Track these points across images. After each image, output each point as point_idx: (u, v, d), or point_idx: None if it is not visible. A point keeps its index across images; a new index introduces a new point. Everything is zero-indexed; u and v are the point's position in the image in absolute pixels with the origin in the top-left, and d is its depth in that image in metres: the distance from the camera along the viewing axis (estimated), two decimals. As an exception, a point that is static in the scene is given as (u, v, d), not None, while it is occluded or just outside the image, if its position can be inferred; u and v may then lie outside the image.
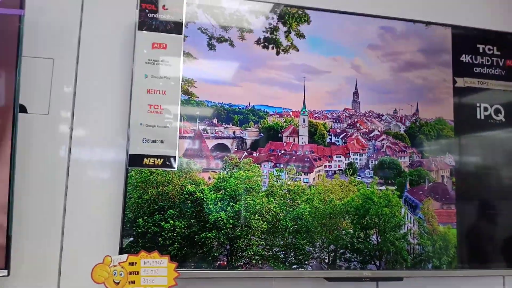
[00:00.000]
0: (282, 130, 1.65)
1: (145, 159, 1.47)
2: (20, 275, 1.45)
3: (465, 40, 1.85)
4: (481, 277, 1.81)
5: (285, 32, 1.65)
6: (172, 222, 1.45)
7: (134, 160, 1.47)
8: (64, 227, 1.52)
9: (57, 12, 1.60)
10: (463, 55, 1.84)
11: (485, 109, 1.82)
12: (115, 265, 1.34)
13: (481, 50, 1.86)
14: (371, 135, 1.73)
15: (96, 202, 1.53)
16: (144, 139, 1.48)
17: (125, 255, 1.36)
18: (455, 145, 1.78)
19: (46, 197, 1.52)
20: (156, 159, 1.48)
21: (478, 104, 1.82)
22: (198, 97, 1.55)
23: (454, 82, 1.81)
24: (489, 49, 1.87)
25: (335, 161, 1.68)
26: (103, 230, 1.51)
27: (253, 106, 1.63)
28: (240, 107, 1.61)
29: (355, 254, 1.60)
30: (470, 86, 1.83)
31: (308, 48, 1.67)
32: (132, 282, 1.36)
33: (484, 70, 1.85)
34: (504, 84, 1.86)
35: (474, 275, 1.78)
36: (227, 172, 1.54)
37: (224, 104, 1.60)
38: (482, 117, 1.82)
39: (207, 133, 1.57)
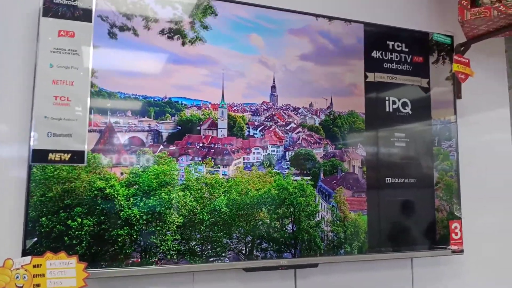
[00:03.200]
0: (201, 123, 1.65)
1: (50, 155, 1.41)
2: None
3: (376, 37, 1.96)
4: (391, 260, 1.95)
5: (190, 23, 1.64)
6: (79, 220, 1.40)
7: (38, 156, 1.39)
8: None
9: None
10: (374, 51, 1.95)
11: (394, 102, 1.96)
12: (18, 268, 1.28)
13: (390, 47, 1.99)
14: (288, 127, 1.79)
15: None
16: (49, 133, 1.41)
17: (29, 257, 1.30)
18: (366, 137, 1.90)
19: None
20: (62, 154, 1.42)
21: (387, 98, 1.95)
22: (100, 88, 1.48)
23: (366, 77, 1.92)
24: (398, 46, 2.00)
25: (253, 153, 1.71)
26: (5, 231, 1.41)
27: (170, 98, 1.61)
28: (156, 99, 1.59)
29: (271, 244, 1.66)
30: (380, 80, 1.95)
31: (216, 41, 1.67)
32: (38, 286, 1.30)
33: (393, 66, 1.98)
34: (411, 79, 2.01)
35: (384, 259, 1.91)
36: (141, 167, 1.51)
37: (139, 96, 1.56)
38: (391, 110, 1.95)
39: (120, 126, 1.52)
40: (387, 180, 1.92)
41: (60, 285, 1.32)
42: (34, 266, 1.30)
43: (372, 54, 1.95)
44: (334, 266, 1.86)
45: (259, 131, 1.75)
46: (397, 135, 1.95)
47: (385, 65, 1.97)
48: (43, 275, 1.30)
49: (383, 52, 1.97)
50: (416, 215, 1.95)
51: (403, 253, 1.93)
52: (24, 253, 1.35)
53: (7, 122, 1.48)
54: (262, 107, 1.76)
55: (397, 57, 1.99)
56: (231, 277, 1.70)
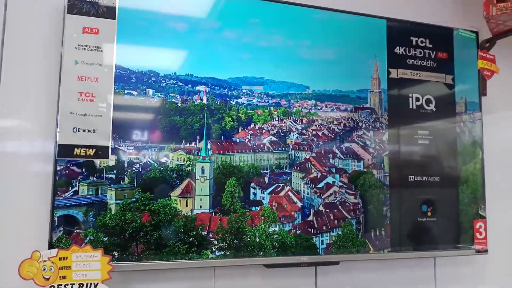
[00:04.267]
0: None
1: (75, 150, 1.44)
2: None
3: (399, 32, 1.94)
4: (414, 259, 1.94)
5: None
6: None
7: (64, 151, 1.43)
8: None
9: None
10: (397, 47, 1.93)
11: (417, 99, 1.93)
12: (45, 260, 1.32)
13: (414, 43, 1.96)
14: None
15: (25, 196, 1.47)
16: (75, 129, 1.44)
17: (55, 250, 1.34)
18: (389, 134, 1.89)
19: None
20: (87, 149, 1.45)
21: (410, 95, 1.92)
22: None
23: (389, 73, 1.90)
24: (421, 42, 1.97)
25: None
26: (32, 224, 1.45)
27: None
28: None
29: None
30: (404, 77, 1.92)
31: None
32: (64, 277, 1.33)
33: (416, 62, 1.95)
34: (435, 76, 1.98)
35: (406, 257, 1.90)
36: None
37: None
38: (414, 107, 1.92)
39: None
40: (410, 178, 1.89)
41: (85, 277, 1.35)
42: (60, 258, 1.34)
43: (395, 50, 1.92)
44: (355, 264, 1.85)
45: (280, 127, 1.75)
46: (421, 133, 1.93)
47: (409, 61, 1.94)
48: (69, 268, 1.34)
49: (407, 48, 1.94)
50: (440, 214, 1.92)
51: (425, 252, 1.91)
52: (50, 246, 1.39)
53: (34, 118, 1.52)
54: (283, 104, 1.76)
55: (420, 53, 1.97)
56: (252, 273, 1.71)
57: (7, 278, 1.38)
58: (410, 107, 1.93)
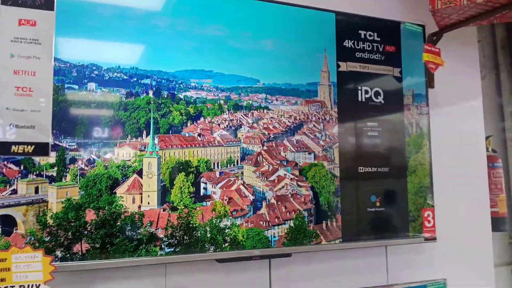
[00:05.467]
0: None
1: (13, 147, 1.39)
2: None
3: (348, 26, 1.98)
4: (366, 248, 2.00)
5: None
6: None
7: (1, 148, 1.37)
8: None
9: None
10: (346, 41, 1.97)
11: (366, 92, 1.98)
12: (-19, 263, 1.27)
13: (362, 36, 2.01)
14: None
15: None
16: (11, 125, 1.39)
17: (-7, 252, 1.29)
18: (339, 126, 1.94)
19: None
20: (26, 146, 1.40)
21: (359, 87, 1.97)
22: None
23: (338, 66, 1.94)
24: (370, 35, 2.03)
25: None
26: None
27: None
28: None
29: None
30: (353, 70, 1.97)
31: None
32: (3, 280, 1.29)
33: (365, 55, 2.01)
34: (383, 68, 2.04)
35: (359, 247, 1.95)
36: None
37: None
38: (363, 100, 1.97)
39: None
40: (360, 170, 1.95)
41: (26, 279, 1.31)
42: (0, 260, 1.29)
43: (344, 44, 1.97)
44: (308, 256, 1.89)
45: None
46: (370, 125, 1.98)
47: (358, 54, 1.99)
48: (9, 269, 1.30)
49: (355, 42, 1.99)
50: (389, 204, 1.99)
51: (376, 241, 1.97)
52: (-11, 248, 1.34)
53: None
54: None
55: (369, 47, 2.02)
56: (205, 268, 1.71)
57: None
58: (360, 99, 1.98)
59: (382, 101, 2.02)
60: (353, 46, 1.99)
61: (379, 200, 1.97)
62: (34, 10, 1.44)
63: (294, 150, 1.85)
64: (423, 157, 2.09)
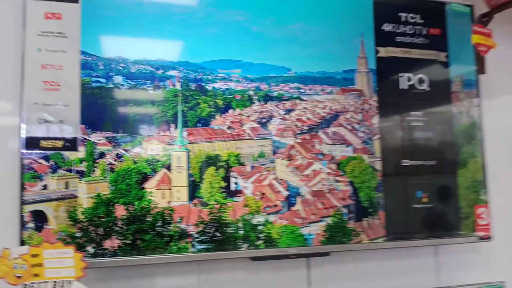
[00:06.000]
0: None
1: (42, 142, 1.39)
2: None
3: (387, 8, 1.86)
4: (412, 248, 1.85)
5: None
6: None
7: (30, 143, 1.38)
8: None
9: None
10: (385, 24, 1.84)
11: (409, 79, 1.84)
12: (16, 258, 1.27)
13: (403, 19, 1.88)
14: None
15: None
16: (40, 120, 1.39)
17: (26, 247, 1.29)
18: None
19: None
20: (55, 141, 1.40)
21: (401, 74, 1.84)
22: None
23: (377, 52, 1.82)
24: (412, 18, 1.89)
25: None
26: (1, 221, 1.41)
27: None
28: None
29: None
30: (393, 56, 1.84)
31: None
32: (36, 275, 1.29)
33: (407, 39, 1.88)
34: (427, 53, 1.90)
35: (404, 246, 1.82)
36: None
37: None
38: (406, 87, 1.84)
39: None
40: (403, 163, 1.81)
41: (58, 275, 1.30)
42: (32, 256, 1.29)
43: (383, 28, 1.84)
44: (348, 255, 1.78)
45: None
46: (414, 114, 1.85)
47: (398, 38, 1.86)
48: (41, 265, 1.29)
49: (396, 25, 1.86)
50: (437, 200, 1.83)
51: (425, 240, 1.83)
52: (21, 243, 1.35)
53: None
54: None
55: (411, 30, 1.88)
56: (238, 266, 1.65)
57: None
58: (401, 87, 1.84)
59: (427, 89, 1.87)
60: (393, 30, 1.86)
61: (426, 195, 1.82)
62: (60, 3, 1.44)
63: (330, 143, 1.75)
64: (475, 149, 1.92)
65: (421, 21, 1.91)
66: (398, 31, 1.86)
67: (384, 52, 1.83)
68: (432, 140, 1.87)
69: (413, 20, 1.89)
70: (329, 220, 1.68)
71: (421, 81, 1.87)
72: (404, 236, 1.77)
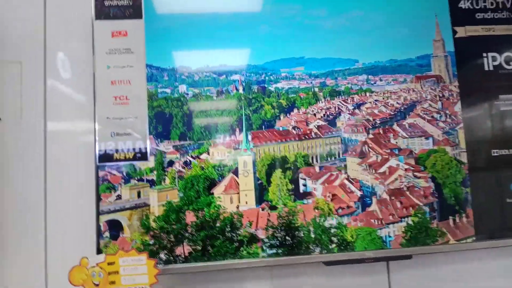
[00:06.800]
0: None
1: (115, 154, 1.46)
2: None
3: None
4: (500, 248, 1.65)
5: None
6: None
7: (104, 156, 1.46)
8: (46, 230, 1.53)
9: (21, 13, 1.60)
10: (462, 1, 1.67)
11: (494, 58, 1.65)
12: (93, 266, 1.34)
13: (483, -7, 1.69)
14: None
15: (70, 203, 1.54)
16: (113, 133, 1.46)
17: (103, 255, 1.36)
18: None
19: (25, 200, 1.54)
20: (126, 152, 1.46)
21: (484, 54, 1.65)
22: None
23: (454, 32, 1.65)
24: (492, -10, 1.69)
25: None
26: (79, 231, 1.51)
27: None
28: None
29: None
30: (474, 35, 1.66)
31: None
32: (113, 283, 1.35)
33: (488, 15, 1.68)
34: (514, 28, 1.68)
35: (492, 247, 1.62)
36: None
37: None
38: (491, 68, 1.65)
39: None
40: (493, 153, 1.62)
41: (133, 282, 1.35)
42: (109, 264, 1.35)
43: (460, 5, 1.66)
44: (432, 257, 1.63)
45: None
46: (503, 97, 1.64)
47: (478, 15, 1.67)
48: (117, 273, 1.35)
49: (474, 1, 1.67)
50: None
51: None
52: (98, 251, 1.42)
53: (72, 124, 1.58)
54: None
55: (492, 4, 1.68)
56: (311, 271, 1.59)
57: (59, 285, 1.44)
58: (486, 68, 1.65)
59: (517, 68, 1.66)
60: (471, 7, 1.67)
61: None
62: (125, 20, 1.51)
63: (407, 136, 1.62)
64: None
65: (504, -7, 1.70)
66: (478, 7, 1.68)
67: (463, 31, 1.66)
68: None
69: (494, -7, 1.70)
70: (409, 221, 1.56)
71: (508, 60, 1.66)
72: (497, 235, 1.59)
